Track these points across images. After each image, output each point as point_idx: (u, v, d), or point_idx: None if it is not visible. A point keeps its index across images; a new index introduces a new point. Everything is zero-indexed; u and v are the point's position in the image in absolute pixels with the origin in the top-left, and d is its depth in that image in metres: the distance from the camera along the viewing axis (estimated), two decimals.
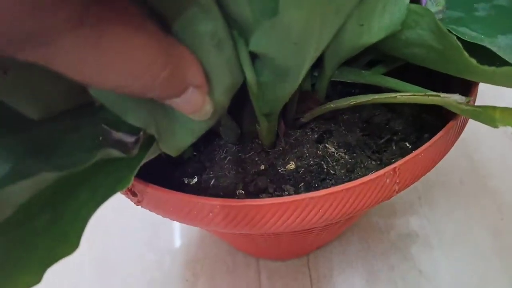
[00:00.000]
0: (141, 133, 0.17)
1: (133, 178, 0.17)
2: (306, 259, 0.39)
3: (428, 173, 0.23)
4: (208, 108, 0.18)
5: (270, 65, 0.20)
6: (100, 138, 0.17)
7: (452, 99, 0.20)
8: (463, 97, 0.20)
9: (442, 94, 0.20)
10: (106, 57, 0.13)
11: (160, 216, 0.24)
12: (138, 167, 0.17)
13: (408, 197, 0.43)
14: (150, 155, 0.19)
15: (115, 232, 0.43)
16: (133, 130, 0.17)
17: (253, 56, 0.20)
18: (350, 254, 0.39)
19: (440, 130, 0.24)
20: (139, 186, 0.22)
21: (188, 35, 0.17)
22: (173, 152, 0.20)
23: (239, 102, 0.26)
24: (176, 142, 0.20)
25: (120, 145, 0.17)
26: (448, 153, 0.25)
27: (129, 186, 0.23)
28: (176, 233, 0.42)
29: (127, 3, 0.14)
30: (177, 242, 0.42)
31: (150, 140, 0.18)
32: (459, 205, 0.42)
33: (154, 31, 0.15)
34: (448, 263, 0.38)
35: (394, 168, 0.22)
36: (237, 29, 0.19)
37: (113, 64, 0.14)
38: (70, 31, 0.12)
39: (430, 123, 0.28)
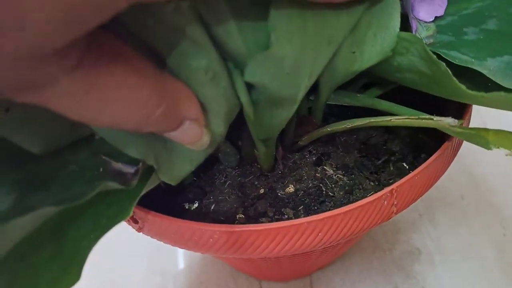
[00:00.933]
0: (140, 164, 0.18)
1: (133, 209, 0.17)
2: (309, 280, 0.39)
3: (428, 190, 0.24)
4: (206, 139, 0.19)
5: (265, 94, 0.21)
6: (100, 169, 0.18)
7: (445, 122, 0.20)
8: (456, 120, 0.20)
9: (435, 118, 0.21)
10: (102, 99, 0.14)
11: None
12: (138, 198, 0.18)
13: (409, 214, 0.43)
14: (150, 185, 0.20)
15: (120, 256, 0.43)
16: (132, 161, 0.18)
17: (249, 85, 0.21)
18: (353, 274, 0.39)
19: (437, 150, 0.24)
20: (140, 214, 0.23)
21: (182, 70, 0.17)
22: (172, 181, 0.20)
23: (238, 128, 0.27)
24: (175, 172, 0.20)
25: (119, 176, 0.17)
26: (448, 170, 0.26)
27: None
28: (180, 256, 0.42)
29: (121, 44, 0.14)
30: (180, 265, 0.42)
31: (149, 170, 0.19)
32: (460, 221, 0.42)
33: (148, 69, 0.15)
34: (452, 279, 0.38)
35: (392, 190, 0.22)
36: (232, 61, 0.20)
37: (109, 104, 0.14)
38: (67, 75, 0.12)
39: (427, 143, 0.29)
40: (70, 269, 0.15)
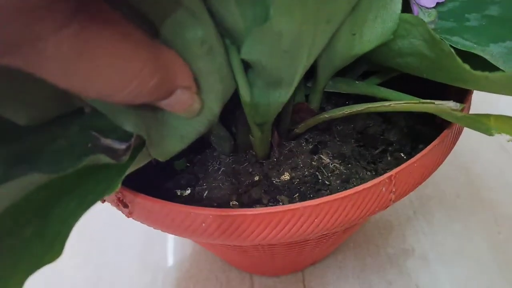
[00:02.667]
0: (133, 139, 0.17)
1: (121, 182, 0.16)
2: (301, 275, 0.38)
3: (423, 187, 0.23)
4: (196, 106, 0.18)
5: (262, 74, 0.20)
6: (89, 145, 0.17)
7: (446, 106, 0.20)
8: (458, 104, 0.20)
9: (437, 102, 0.20)
10: (92, 65, 0.13)
11: (154, 233, 0.23)
12: (127, 172, 0.17)
13: (404, 211, 0.43)
14: (140, 161, 0.19)
15: (108, 250, 0.42)
16: (122, 138, 0.17)
17: (246, 65, 0.20)
18: (346, 270, 0.39)
19: (435, 140, 0.24)
20: (130, 196, 0.22)
21: (177, 41, 0.17)
22: (161, 157, 0.20)
23: (233, 112, 0.26)
24: (165, 147, 0.19)
25: (109, 151, 0.17)
26: (444, 166, 0.25)
27: (120, 196, 0.23)
28: (169, 250, 0.42)
29: (114, 12, 0.14)
30: (170, 259, 0.41)
31: (140, 147, 0.18)
32: (456, 219, 0.42)
33: (142, 39, 0.15)
34: (447, 277, 0.37)
35: (390, 176, 0.21)
36: (229, 37, 0.19)
37: (99, 72, 0.13)
38: (54, 35, 0.12)
39: (425, 134, 0.28)
40: (54, 245, 0.15)
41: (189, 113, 0.18)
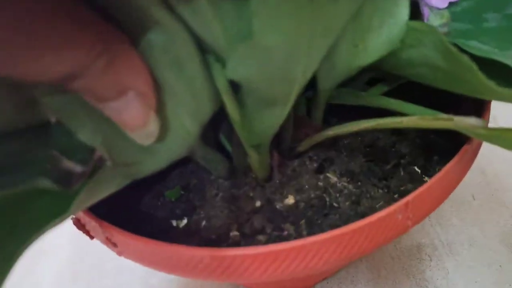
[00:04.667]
0: (90, 163, 0.15)
1: (66, 214, 0.14)
2: None
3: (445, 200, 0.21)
4: (152, 128, 0.16)
5: (253, 93, 0.18)
6: (48, 166, 0.15)
7: (467, 124, 0.18)
8: (480, 120, 0.17)
9: (456, 118, 0.18)
10: (33, 33, 0.12)
11: None
12: (86, 200, 0.15)
13: None
14: (106, 186, 0.17)
15: (110, 273, 0.40)
16: (86, 160, 0.15)
17: (234, 83, 0.18)
18: (359, 283, 0.36)
19: (450, 151, 0.22)
20: (119, 237, 0.20)
21: (141, 43, 0.15)
22: (129, 176, 0.18)
23: (227, 132, 0.24)
24: (133, 165, 0.17)
25: (66, 176, 0.15)
26: None
27: (108, 235, 0.21)
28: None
29: None
30: (175, 283, 0.39)
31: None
32: (473, 223, 0.39)
33: (98, 22, 0.13)
34: (467, 285, 0.35)
35: (407, 202, 0.19)
36: (213, 55, 0.17)
37: (40, 46, 0.12)
38: None
39: (439, 144, 0.26)
40: None
41: (142, 134, 0.16)
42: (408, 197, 0.19)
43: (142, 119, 0.15)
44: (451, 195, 0.41)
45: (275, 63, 0.16)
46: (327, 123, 0.26)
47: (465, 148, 0.21)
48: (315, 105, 0.24)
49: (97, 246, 0.42)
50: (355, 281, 0.37)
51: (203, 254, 0.19)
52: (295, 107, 0.22)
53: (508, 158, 0.43)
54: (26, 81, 0.13)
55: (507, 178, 0.42)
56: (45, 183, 0.15)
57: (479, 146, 0.22)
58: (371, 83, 0.26)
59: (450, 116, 0.18)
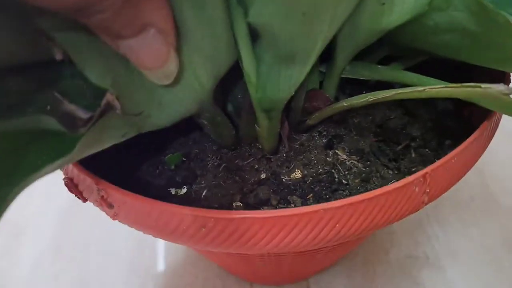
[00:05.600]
0: (101, 105, 0.13)
1: (73, 155, 0.13)
2: (307, 285, 0.34)
3: (463, 177, 0.20)
4: (172, 67, 0.15)
5: (273, 45, 0.17)
6: (48, 107, 0.14)
7: (495, 90, 0.17)
8: (509, 87, 0.16)
9: (483, 85, 0.17)
10: None
11: (143, 235, 0.20)
12: (88, 149, 0.14)
13: (415, 215, 0.39)
14: (108, 136, 0.15)
15: (93, 254, 0.38)
16: (91, 107, 0.14)
17: (253, 37, 0.17)
18: (354, 278, 0.35)
19: (463, 136, 0.21)
20: (115, 195, 0.18)
21: None
22: (134, 129, 0.16)
23: (235, 98, 0.23)
24: (139, 114, 0.16)
25: (68, 118, 0.13)
26: None
27: (104, 195, 0.19)
28: (160, 254, 0.38)
29: None
30: (161, 265, 0.37)
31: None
32: (471, 223, 0.39)
33: None
34: (464, 286, 0.34)
35: (425, 174, 0.18)
36: None
37: None
38: None
39: (451, 128, 0.25)
40: None
41: (160, 73, 0.15)
42: (427, 169, 0.18)
43: (161, 58, 0.14)
44: (450, 196, 0.41)
45: (303, 6, 0.15)
46: (337, 100, 0.25)
47: (485, 124, 0.20)
48: (329, 77, 0.23)
49: (80, 225, 0.40)
50: (350, 276, 0.35)
51: (207, 216, 0.17)
52: (308, 77, 0.21)
53: (506, 159, 0.43)
54: (39, 6, 0.12)
55: (506, 179, 0.41)
56: (51, 122, 0.14)
57: (497, 123, 0.22)
58: (384, 64, 0.25)
59: (477, 83, 0.17)
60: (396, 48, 0.23)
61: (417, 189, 0.18)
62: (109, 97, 0.14)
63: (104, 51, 0.15)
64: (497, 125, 0.22)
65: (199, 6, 0.15)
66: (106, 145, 0.16)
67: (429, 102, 0.26)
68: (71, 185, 0.21)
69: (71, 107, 0.14)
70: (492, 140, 0.24)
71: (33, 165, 0.13)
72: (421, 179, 0.18)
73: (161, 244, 0.38)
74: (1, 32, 0.13)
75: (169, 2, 0.14)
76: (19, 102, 0.14)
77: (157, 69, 0.14)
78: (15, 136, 0.14)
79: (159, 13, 0.14)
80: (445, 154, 0.23)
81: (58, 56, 0.15)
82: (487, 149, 0.45)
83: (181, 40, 0.15)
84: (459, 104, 0.25)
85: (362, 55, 0.23)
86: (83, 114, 0.13)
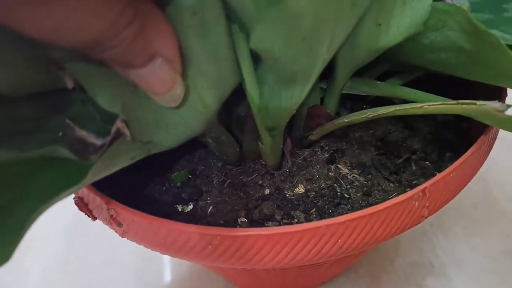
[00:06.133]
0: (112, 132, 0.14)
1: (82, 184, 0.14)
2: None
3: (461, 191, 0.21)
4: (178, 91, 0.16)
5: (274, 68, 0.17)
6: (60, 133, 0.14)
7: (490, 107, 0.17)
8: (504, 104, 0.17)
9: (478, 102, 0.17)
10: (63, 6, 0.11)
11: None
12: (96, 173, 0.14)
13: (419, 224, 0.40)
14: (119, 160, 0.16)
15: (100, 267, 0.39)
16: (100, 131, 0.14)
17: (255, 60, 0.18)
18: None
19: (463, 147, 0.21)
20: (125, 214, 0.19)
21: (167, 4, 0.14)
22: (144, 151, 0.17)
23: (236, 114, 0.23)
24: (147, 136, 0.17)
25: (79, 145, 0.14)
26: None
27: (113, 214, 0.20)
28: (167, 267, 0.38)
29: None
30: (168, 277, 0.38)
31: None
32: (475, 231, 0.39)
33: None
34: None
35: (424, 189, 0.19)
36: (237, 22, 0.16)
37: (70, 8, 0.11)
38: None
39: (451, 141, 0.26)
40: (5, 248, 0.12)
41: (168, 98, 0.16)
42: (426, 184, 0.19)
43: (169, 84, 0.15)
44: (454, 204, 0.41)
45: (302, 32, 0.15)
46: (339, 116, 0.26)
47: (482, 138, 0.21)
48: (330, 94, 0.24)
49: (86, 239, 0.41)
50: (355, 285, 0.36)
51: (213, 233, 0.18)
52: (310, 94, 0.21)
53: (509, 167, 0.43)
54: (52, 44, 0.13)
55: (509, 187, 0.42)
56: (63, 151, 0.14)
57: (494, 137, 0.22)
58: (383, 79, 0.26)
59: (473, 101, 0.18)
60: (394, 64, 0.24)
61: (417, 204, 0.19)
62: (119, 124, 0.14)
63: (113, 78, 0.15)
64: (494, 138, 0.22)
65: (203, 34, 0.15)
66: (117, 168, 0.17)
67: (428, 116, 0.27)
68: (81, 204, 0.22)
69: (82, 133, 0.15)
70: (494, 148, 0.25)
71: (47, 192, 0.14)
72: (420, 194, 0.19)
73: (167, 256, 0.39)
74: (19, 62, 0.14)
75: (174, 32, 0.15)
76: (33, 129, 0.15)
77: (165, 94, 0.15)
78: (27, 163, 0.15)
79: (165, 42, 0.14)
80: (446, 166, 0.24)
81: (70, 85, 0.15)
82: (489, 157, 0.45)
83: (186, 65, 0.16)
84: (458, 116, 0.26)
85: (361, 71, 0.24)
86: (94, 140, 0.14)
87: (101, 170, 0.15)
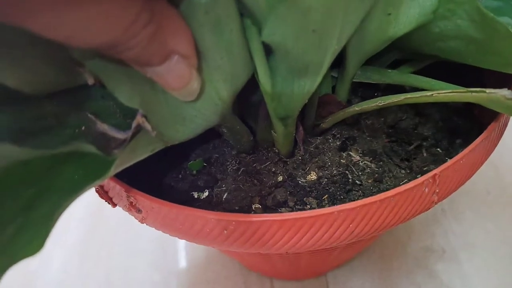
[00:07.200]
0: (133, 127, 0.15)
1: (107, 176, 0.14)
2: (325, 280, 0.36)
3: (471, 177, 0.21)
4: (195, 86, 0.16)
5: (286, 59, 0.18)
6: (83, 128, 0.15)
7: (500, 95, 0.17)
8: None
9: (488, 90, 0.18)
10: (80, 8, 0.12)
11: (166, 234, 0.21)
12: (119, 165, 0.15)
13: (431, 210, 0.40)
14: (140, 152, 0.17)
15: (118, 253, 0.40)
16: (121, 126, 0.15)
17: (267, 51, 0.18)
18: (372, 273, 0.36)
19: (474, 134, 0.21)
20: (144, 202, 0.20)
21: (183, 4, 0.15)
22: (162, 143, 0.18)
23: (251, 105, 0.24)
24: (166, 130, 0.17)
25: (102, 139, 0.15)
26: None
27: (133, 201, 0.21)
28: (182, 252, 0.40)
29: None
30: (183, 262, 0.39)
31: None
32: (487, 216, 0.39)
33: None
34: (480, 279, 0.35)
35: (434, 175, 0.19)
36: (249, 17, 0.17)
37: (90, 12, 0.12)
38: None
39: (462, 128, 0.26)
40: (36, 239, 0.13)
41: (185, 93, 0.16)
42: (436, 170, 0.19)
43: (185, 80, 0.16)
44: (466, 189, 0.41)
45: (312, 25, 0.16)
46: (350, 104, 0.26)
47: (493, 125, 0.21)
48: (341, 82, 0.24)
49: (106, 227, 0.42)
50: (367, 270, 0.36)
51: (228, 219, 0.19)
52: (321, 83, 0.22)
53: None
54: (71, 46, 0.13)
55: None
56: (87, 147, 0.15)
57: (505, 124, 0.22)
58: (394, 66, 0.26)
59: (482, 89, 0.18)
60: (405, 52, 0.24)
61: (427, 190, 0.19)
62: (139, 119, 0.15)
63: (131, 74, 0.16)
64: (505, 125, 0.23)
65: (217, 31, 0.16)
66: (137, 160, 0.18)
67: (439, 103, 0.27)
68: (102, 192, 0.23)
69: (103, 127, 0.16)
70: (506, 133, 0.25)
71: (72, 186, 0.15)
72: (430, 180, 0.19)
73: (182, 242, 0.40)
74: (40, 62, 0.15)
75: (189, 29, 0.15)
76: (55, 126, 0.16)
77: (182, 89, 0.16)
78: (50, 158, 0.16)
79: (181, 40, 0.15)
80: (457, 153, 0.24)
81: (90, 81, 0.16)
82: (501, 142, 0.45)
83: (202, 61, 0.17)
84: (469, 103, 0.26)
85: (372, 60, 0.24)
86: (116, 134, 0.15)
87: (123, 163, 0.16)
